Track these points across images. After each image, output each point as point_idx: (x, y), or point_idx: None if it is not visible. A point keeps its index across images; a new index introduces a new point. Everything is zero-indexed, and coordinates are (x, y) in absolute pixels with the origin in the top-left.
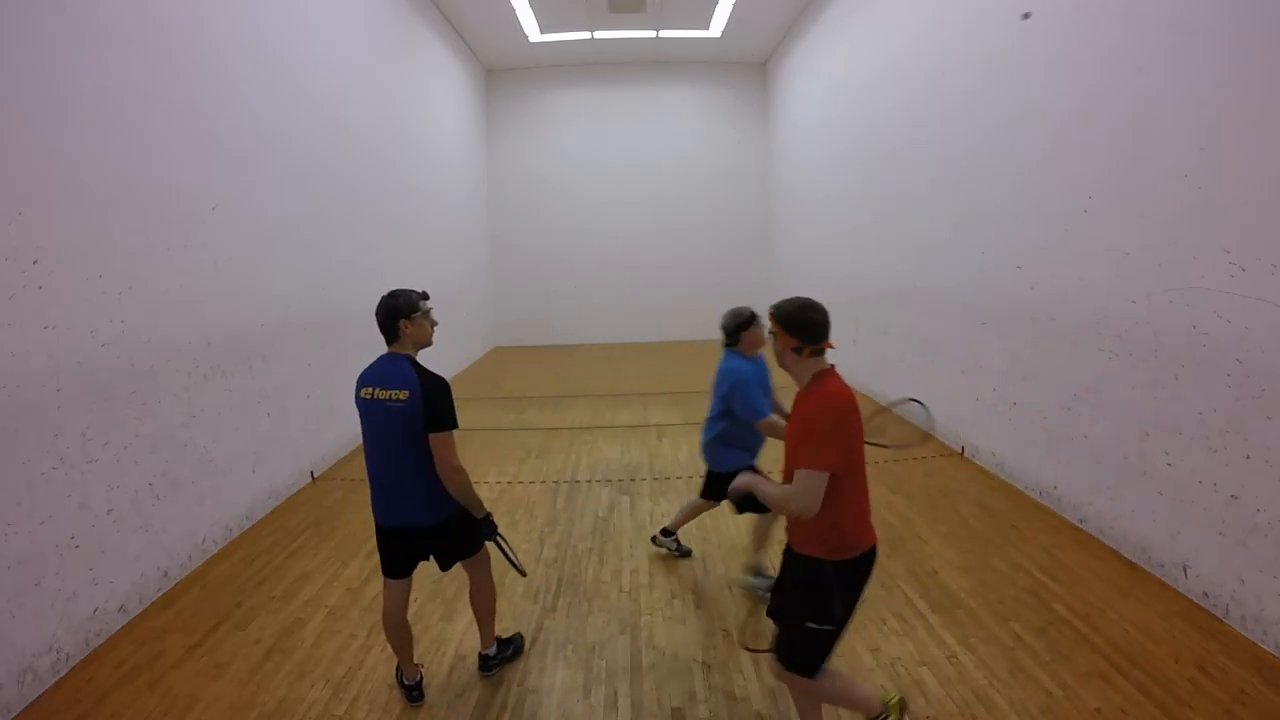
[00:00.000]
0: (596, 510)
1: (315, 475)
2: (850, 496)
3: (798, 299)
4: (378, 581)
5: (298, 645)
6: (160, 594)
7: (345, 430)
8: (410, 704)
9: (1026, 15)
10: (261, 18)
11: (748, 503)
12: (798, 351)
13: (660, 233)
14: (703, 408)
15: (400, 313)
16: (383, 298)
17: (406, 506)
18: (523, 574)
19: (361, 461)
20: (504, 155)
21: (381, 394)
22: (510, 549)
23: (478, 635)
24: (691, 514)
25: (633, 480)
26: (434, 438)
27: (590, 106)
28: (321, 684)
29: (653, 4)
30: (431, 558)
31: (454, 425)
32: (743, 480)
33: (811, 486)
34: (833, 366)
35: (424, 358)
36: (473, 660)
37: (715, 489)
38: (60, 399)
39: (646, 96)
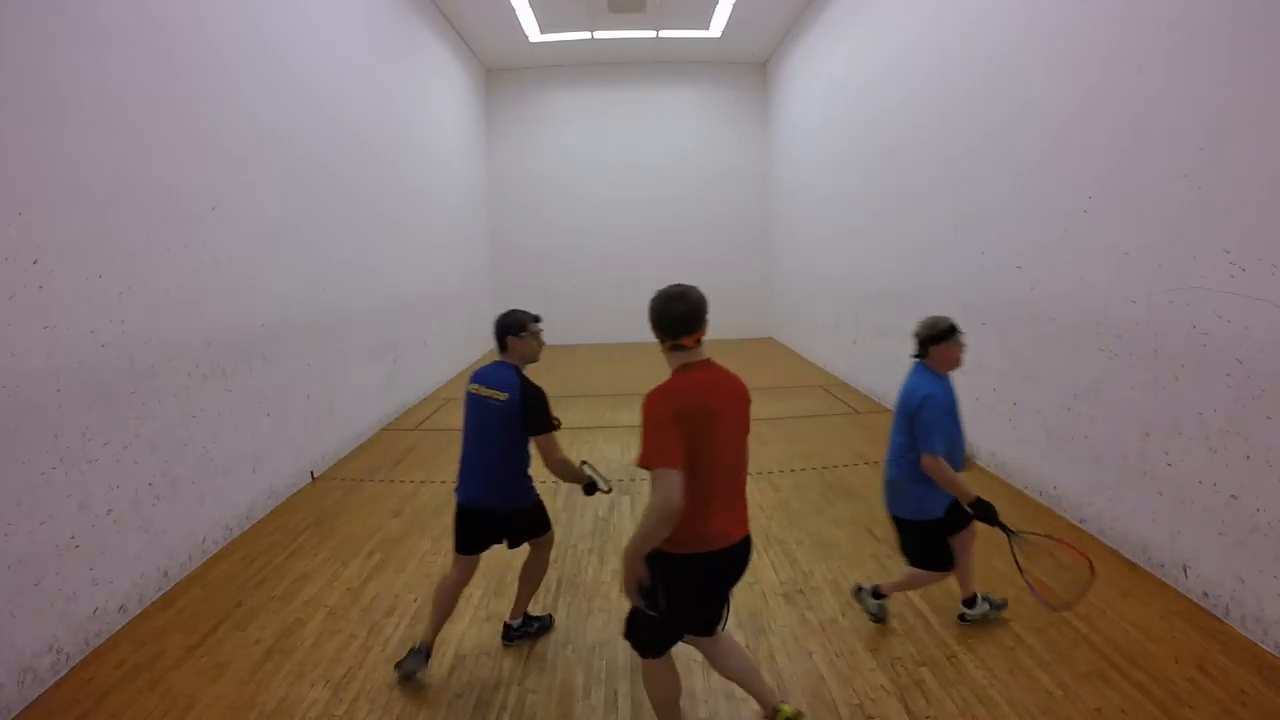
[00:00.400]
0: (596, 510)
1: (315, 475)
2: (687, 494)
3: (666, 289)
4: (378, 581)
5: (298, 645)
6: (160, 594)
7: (345, 430)
8: (411, 672)
9: None
10: (261, 18)
11: (928, 555)
12: (662, 345)
13: (660, 233)
14: None
15: (509, 330)
16: (501, 314)
17: (483, 491)
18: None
19: (361, 462)
20: (504, 155)
21: (485, 392)
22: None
23: (478, 635)
24: (910, 584)
25: (633, 480)
26: (537, 440)
27: (590, 106)
28: (321, 684)
29: (653, 4)
30: (504, 542)
31: (552, 428)
32: (630, 579)
33: (660, 485)
34: (706, 360)
35: (424, 356)
36: (473, 660)
37: (912, 544)
38: (60, 399)
39: (646, 96)
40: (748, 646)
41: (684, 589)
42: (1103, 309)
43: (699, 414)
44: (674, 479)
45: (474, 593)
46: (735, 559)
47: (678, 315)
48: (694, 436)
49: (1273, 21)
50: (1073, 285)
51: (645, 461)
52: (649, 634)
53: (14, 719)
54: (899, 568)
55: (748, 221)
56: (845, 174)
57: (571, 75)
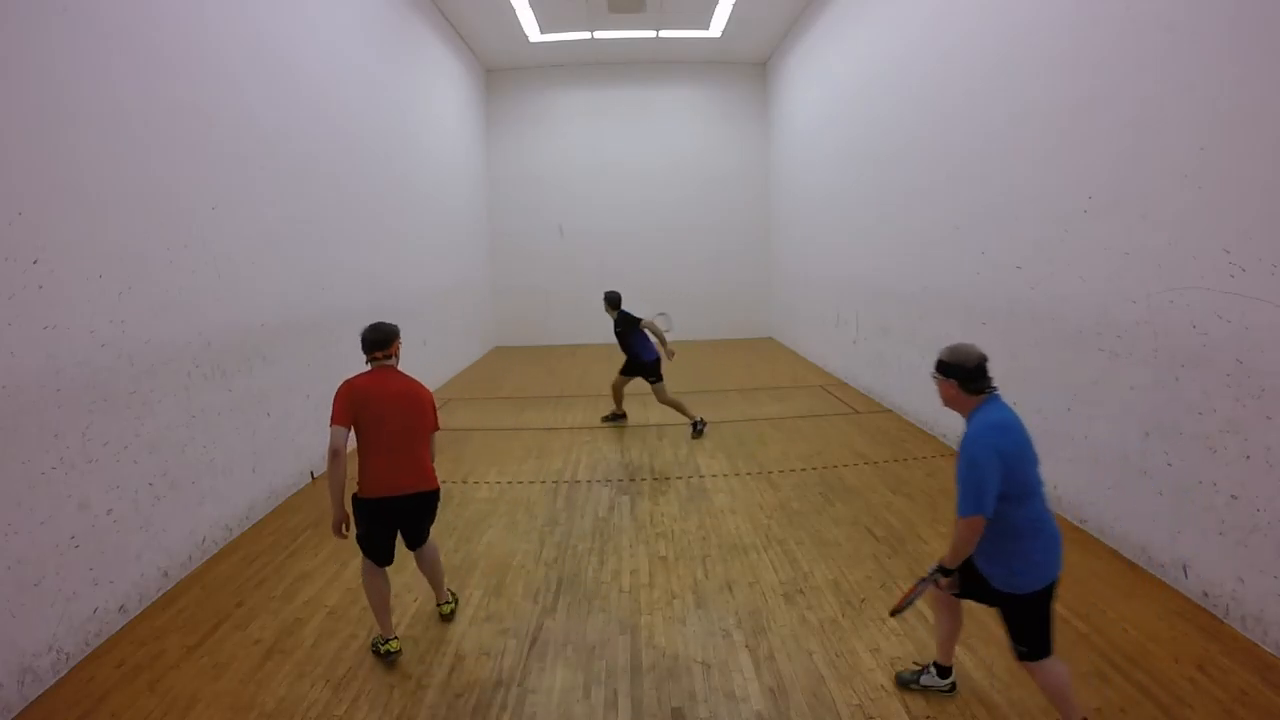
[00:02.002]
0: (596, 510)
1: (315, 475)
2: (362, 456)
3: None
4: None
5: (298, 645)
6: (160, 594)
7: None
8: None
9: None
10: (262, 18)
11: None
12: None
13: (660, 232)
14: (703, 408)
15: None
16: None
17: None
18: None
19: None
20: (504, 155)
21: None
22: None
23: (478, 635)
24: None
25: (633, 480)
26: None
27: (590, 106)
28: (321, 684)
29: (653, 4)
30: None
31: None
32: None
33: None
34: (387, 369)
35: (424, 356)
36: (473, 660)
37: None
38: (60, 399)
39: (646, 96)
40: (747, 646)
41: (369, 524)
42: (1103, 309)
43: (360, 401)
44: (335, 433)
45: (474, 593)
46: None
47: (366, 338)
48: (358, 415)
49: (1272, 21)
50: (1073, 285)
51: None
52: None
53: (14, 719)
54: (900, 566)
55: (748, 221)
56: (845, 174)
57: (571, 75)
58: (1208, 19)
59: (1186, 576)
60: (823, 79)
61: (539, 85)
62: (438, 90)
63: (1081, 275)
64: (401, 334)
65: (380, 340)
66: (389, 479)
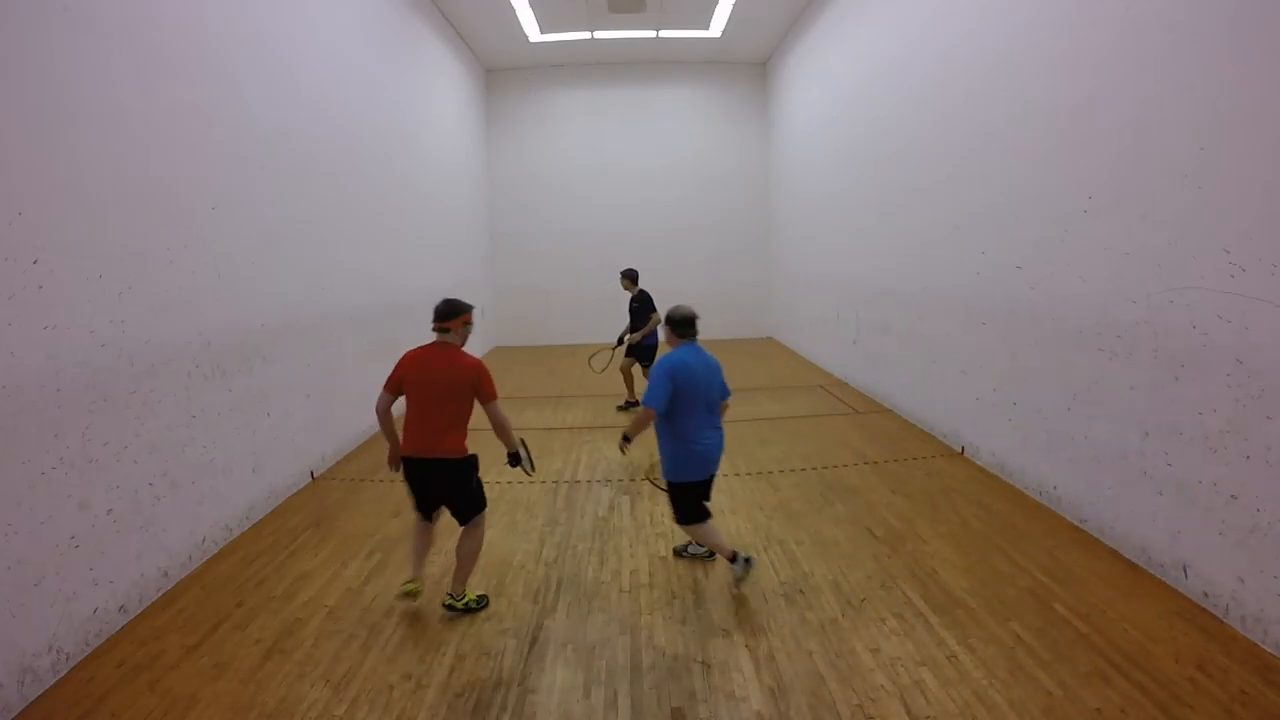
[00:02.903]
0: (596, 510)
1: (315, 475)
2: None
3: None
4: (378, 581)
5: (298, 645)
6: (160, 594)
7: (345, 430)
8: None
9: None
10: (262, 18)
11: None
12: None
13: (660, 232)
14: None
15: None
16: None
17: None
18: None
19: (361, 462)
20: (504, 155)
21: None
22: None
23: (478, 635)
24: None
25: (633, 480)
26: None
27: (590, 106)
28: (321, 684)
29: (653, 4)
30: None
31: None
32: None
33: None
34: (442, 343)
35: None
36: (473, 660)
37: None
38: (60, 399)
39: (646, 96)
40: (747, 646)
41: (411, 480)
42: (1103, 309)
43: (408, 369)
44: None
45: (474, 593)
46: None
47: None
48: (402, 377)
49: (1272, 21)
50: (1073, 285)
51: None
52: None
53: (14, 719)
54: (900, 566)
55: (747, 221)
56: (845, 174)
57: (571, 75)
58: (1208, 19)
59: (1186, 576)
60: (823, 79)
61: (539, 85)
62: (438, 90)
63: (1081, 275)
64: (406, 334)
65: (441, 312)
66: (413, 440)
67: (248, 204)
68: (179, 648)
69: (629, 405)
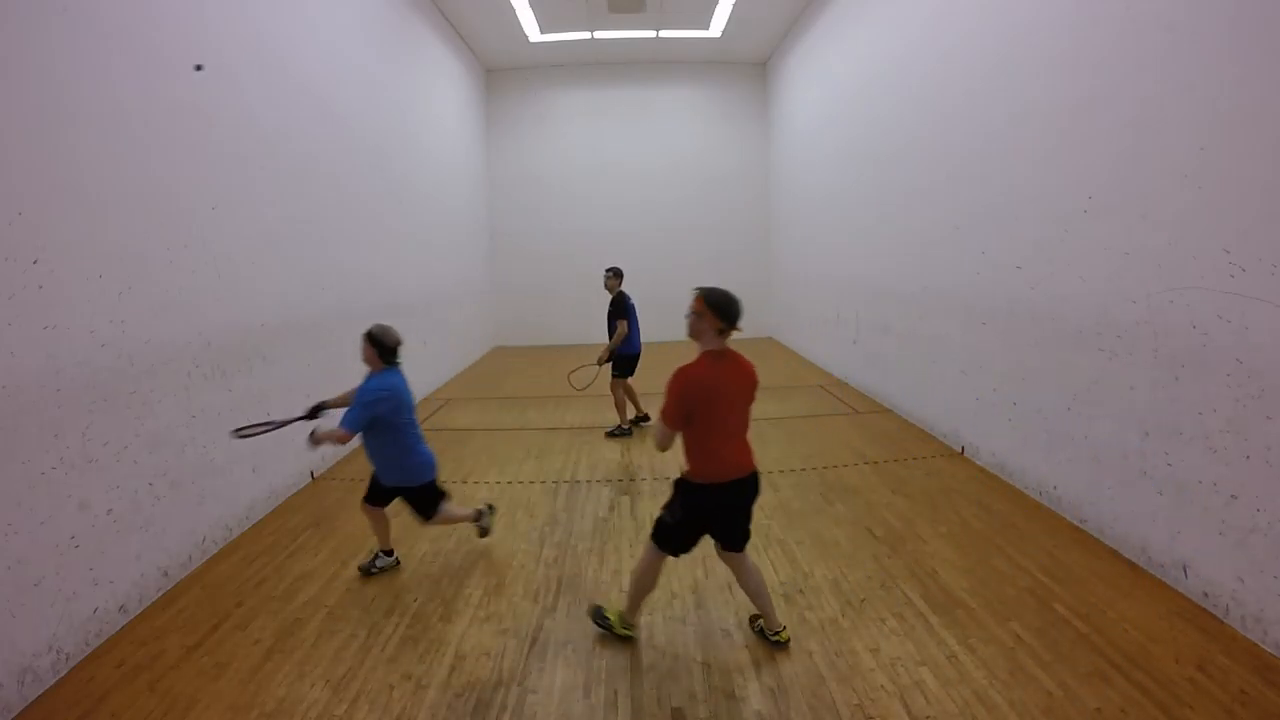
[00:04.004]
0: (596, 510)
1: (315, 475)
2: (699, 443)
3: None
4: (378, 582)
5: (298, 645)
6: (160, 594)
7: None
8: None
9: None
10: (261, 18)
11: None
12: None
13: (660, 232)
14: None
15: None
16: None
17: None
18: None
19: (361, 462)
20: (504, 155)
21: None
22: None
23: (478, 635)
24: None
25: (633, 480)
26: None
27: (590, 106)
28: (321, 684)
29: (653, 4)
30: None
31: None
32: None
33: (658, 430)
34: (724, 350)
35: (424, 356)
36: (473, 660)
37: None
38: (60, 399)
39: (646, 96)
40: (747, 646)
41: (699, 510)
42: (1103, 309)
43: (697, 394)
44: (666, 432)
45: (474, 593)
46: (729, 491)
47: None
48: (694, 406)
49: (1272, 21)
50: (1073, 285)
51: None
52: (662, 534)
53: (14, 719)
54: (900, 566)
55: (747, 221)
56: (845, 174)
57: (571, 75)
58: (1208, 19)
59: (1186, 576)
60: (823, 79)
61: (539, 85)
62: (438, 90)
63: (1081, 275)
64: (406, 334)
65: (736, 313)
66: (737, 454)
67: (248, 204)
68: (179, 648)
69: (641, 420)
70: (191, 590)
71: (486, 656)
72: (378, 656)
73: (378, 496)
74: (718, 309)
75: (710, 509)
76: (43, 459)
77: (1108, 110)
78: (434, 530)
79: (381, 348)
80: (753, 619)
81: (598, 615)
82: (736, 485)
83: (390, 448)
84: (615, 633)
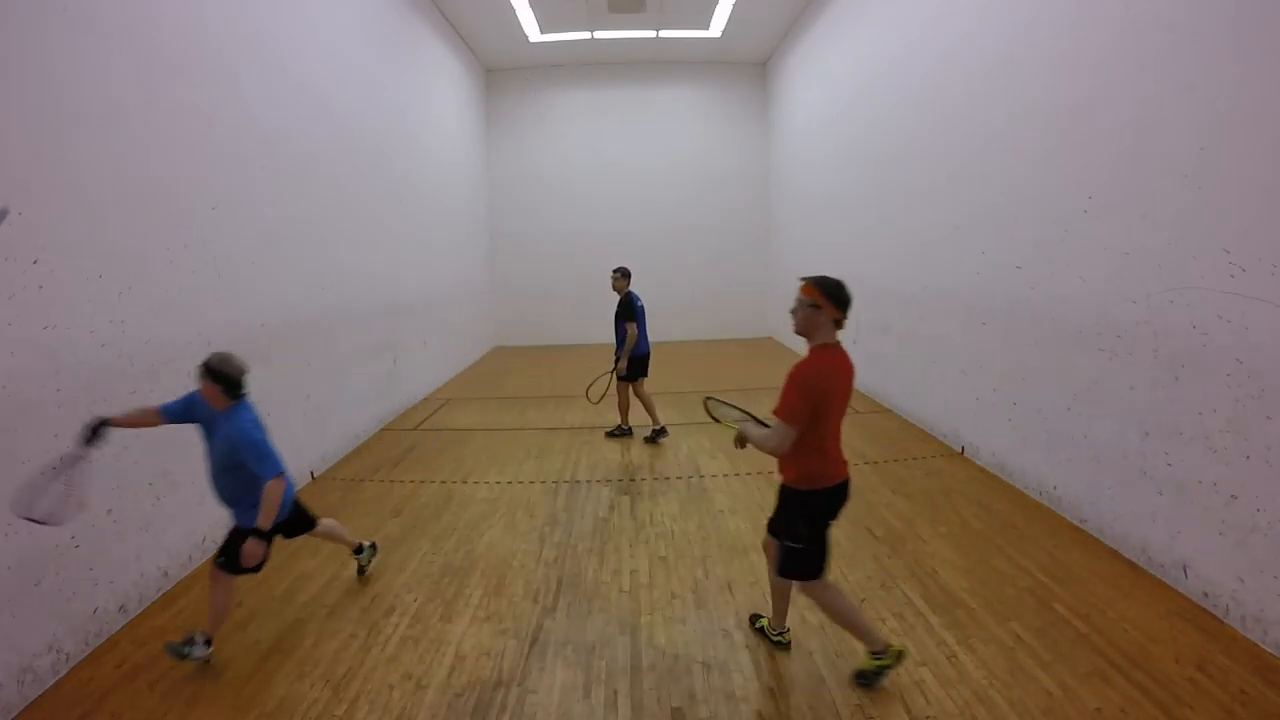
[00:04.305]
0: (596, 510)
1: (315, 475)
2: (812, 443)
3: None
4: (377, 582)
5: (298, 645)
6: (160, 594)
7: (345, 430)
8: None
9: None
10: (262, 18)
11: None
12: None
13: (660, 232)
14: (701, 408)
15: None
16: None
17: None
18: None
19: (361, 462)
20: (504, 155)
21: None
22: None
23: (478, 635)
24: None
25: (633, 480)
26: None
27: (590, 106)
28: (321, 684)
29: (653, 4)
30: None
31: None
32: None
33: (778, 431)
34: (838, 343)
35: (424, 356)
36: (473, 660)
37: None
38: (60, 399)
39: (646, 96)
40: (747, 646)
41: (819, 518)
42: (1103, 309)
43: (823, 388)
44: (789, 432)
45: (474, 593)
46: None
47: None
48: (816, 403)
49: (1272, 21)
50: (1073, 285)
51: (779, 414)
52: (797, 562)
53: (14, 719)
54: (900, 566)
55: (747, 221)
56: (845, 174)
57: (571, 75)
58: (1208, 19)
59: (1186, 576)
60: (823, 79)
61: (539, 85)
62: (438, 90)
63: (1081, 275)
64: (406, 334)
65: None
66: (838, 461)
67: (248, 204)
68: None
69: (658, 434)
70: (191, 590)
71: (486, 656)
72: (378, 656)
73: (298, 528)
74: (836, 300)
75: (828, 513)
76: (43, 459)
77: (1108, 110)
78: (436, 529)
79: (227, 383)
80: (753, 619)
81: (861, 676)
82: (844, 487)
83: (257, 490)
84: (883, 667)
